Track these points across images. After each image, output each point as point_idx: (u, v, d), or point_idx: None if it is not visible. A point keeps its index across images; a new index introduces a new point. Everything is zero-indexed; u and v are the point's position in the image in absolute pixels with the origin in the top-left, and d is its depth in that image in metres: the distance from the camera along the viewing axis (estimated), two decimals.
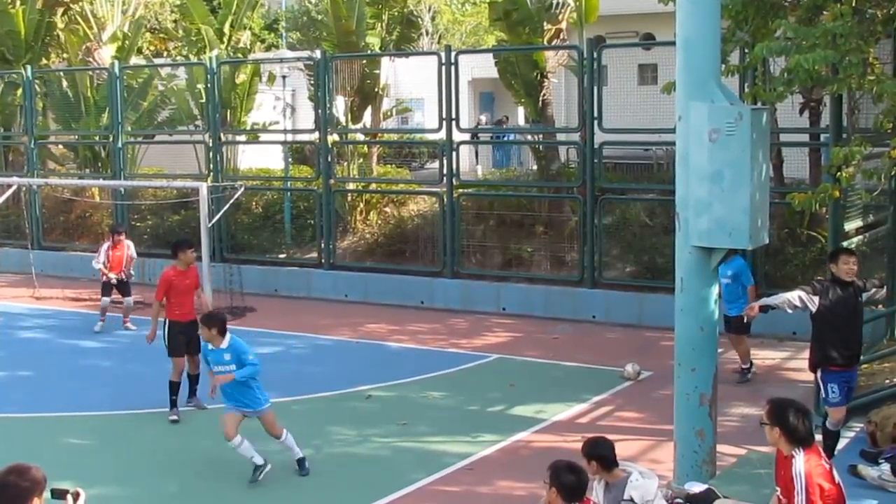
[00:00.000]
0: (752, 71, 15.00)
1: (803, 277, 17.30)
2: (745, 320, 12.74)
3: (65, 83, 27.23)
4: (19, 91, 26.95)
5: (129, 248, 19.38)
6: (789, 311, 11.03)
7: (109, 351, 17.73)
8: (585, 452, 7.89)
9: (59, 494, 5.71)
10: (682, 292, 9.92)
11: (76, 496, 5.72)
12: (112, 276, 19.02)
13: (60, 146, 29.71)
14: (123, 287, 19.19)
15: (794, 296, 10.74)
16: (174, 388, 13.80)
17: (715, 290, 10.02)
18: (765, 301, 10.99)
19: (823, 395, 11.14)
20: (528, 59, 20.89)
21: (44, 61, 29.17)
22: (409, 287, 20.80)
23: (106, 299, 19.10)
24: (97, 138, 26.54)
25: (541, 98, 21.07)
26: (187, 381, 14.22)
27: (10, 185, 24.00)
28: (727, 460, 10.88)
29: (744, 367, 14.86)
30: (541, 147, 22.03)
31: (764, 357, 15.80)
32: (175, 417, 13.64)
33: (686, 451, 10.00)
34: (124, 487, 11.23)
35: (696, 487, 8.97)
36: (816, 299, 10.74)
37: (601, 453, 7.87)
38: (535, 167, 23.31)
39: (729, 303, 14.41)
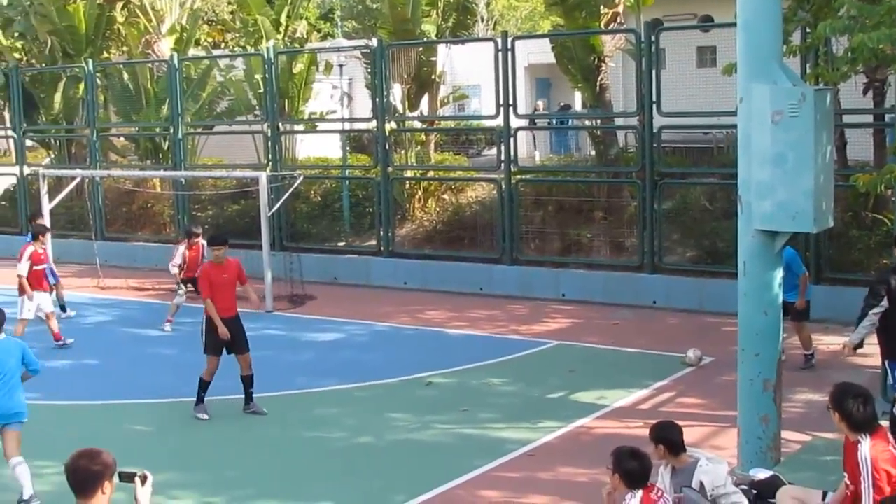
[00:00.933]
0: (814, 51, 14.82)
1: (868, 262, 17.13)
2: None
3: (125, 76, 27.52)
4: (81, 85, 27.26)
5: (204, 247, 19.18)
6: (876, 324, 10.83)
7: (172, 339, 17.90)
8: (653, 436, 7.83)
9: (126, 477, 5.80)
10: (745, 276, 9.82)
11: (143, 479, 5.82)
12: (184, 286, 18.57)
13: (122, 138, 30.06)
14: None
15: (871, 317, 10.60)
16: (203, 386, 13.32)
17: (779, 274, 9.91)
18: (853, 340, 10.87)
19: (891, 382, 10.98)
20: (584, 44, 20.76)
21: (104, 55, 29.50)
22: (468, 274, 20.79)
23: (180, 299, 18.76)
24: (157, 130, 26.78)
25: (598, 83, 20.93)
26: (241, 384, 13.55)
27: (73, 178, 24.33)
28: (792, 447, 10.78)
29: (807, 353, 14.69)
30: (599, 132, 21.91)
31: (829, 342, 15.61)
32: (204, 416, 13.24)
33: (750, 438, 9.91)
34: (187, 473, 11.34)
35: (761, 474, 8.90)
36: (884, 300, 10.58)
37: (669, 437, 7.81)
38: (593, 152, 23.19)
39: (785, 292, 14.27)
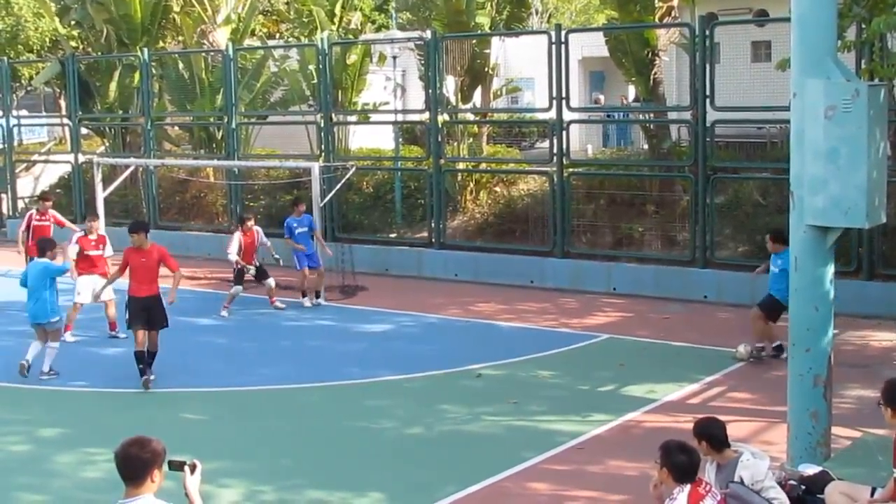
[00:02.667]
0: (868, 46, 14.67)
1: None
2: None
3: (180, 65, 27.73)
4: (136, 74, 27.51)
5: (258, 234, 19.36)
6: None
7: (225, 328, 18.08)
8: (696, 432, 7.83)
9: (176, 466, 5.88)
10: (797, 272, 9.78)
11: (193, 467, 5.89)
12: (250, 267, 18.96)
13: (176, 127, 30.32)
14: (260, 272, 19.30)
15: None
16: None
17: (830, 269, 9.85)
18: None
19: None
20: (639, 37, 20.68)
21: (160, 44, 29.74)
22: (519, 266, 20.80)
23: (238, 287, 18.96)
24: (211, 119, 27.00)
25: (652, 76, 20.85)
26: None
27: (127, 166, 24.59)
28: (842, 443, 10.72)
29: (773, 344, 14.78)
30: (652, 126, 21.83)
31: (882, 338, 15.48)
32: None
33: (800, 433, 9.87)
34: (239, 461, 11.46)
35: (811, 470, 8.87)
36: None
37: (712, 433, 7.80)
38: (645, 146, 23.11)
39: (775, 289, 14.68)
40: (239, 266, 18.94)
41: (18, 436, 12.52)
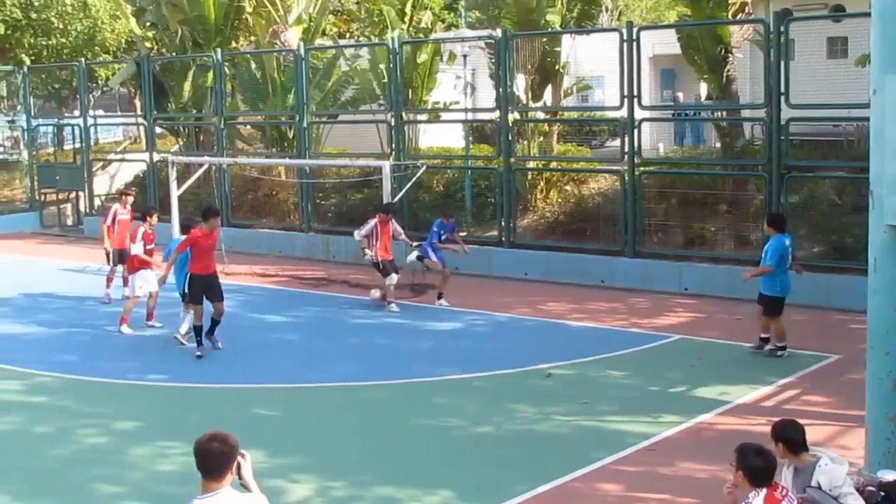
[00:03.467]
0: None
1: None
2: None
3: (253, 65, 27.97)
4: (210, 73, 27.79)
5: (395, 227, 19.36)
6: None
7: (295, 325, 18.18)
8: (774, 434, 7.69)
9: None
10: (876, 272, 9.58)
11: (241, 456, 5.93)
12: (371, 253, 18.97)
13: (248, 126, 30.58)
14: (386, 268, 19.17)
15: None
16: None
17: None
18: None
19: None
20: (711, 34, 20.47)
21: (232, 44, 30.01)
22: (590, 266, 20.69)
23: (393, 277, 18.97)
24: (283, 118, 27.17)
25: (725, 74, 20.63)
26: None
27: (201, 165, 24.83)
28: None
29: (778, 343, 14.89)
30: (725, 124, 21.60)
31: None
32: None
33: (878, 438, 9.67)
34: (307, 457, 11.51)
35: (890, 475, 8.67)
36: None
37: (789, 435, 7.66)
38: (718, 145, 22.86)
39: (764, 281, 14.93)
40: (365, 255, 19.11)
41: (95, 428, 12.68)
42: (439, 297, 19.17)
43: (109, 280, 20.04)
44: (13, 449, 12.13)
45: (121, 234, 19.62)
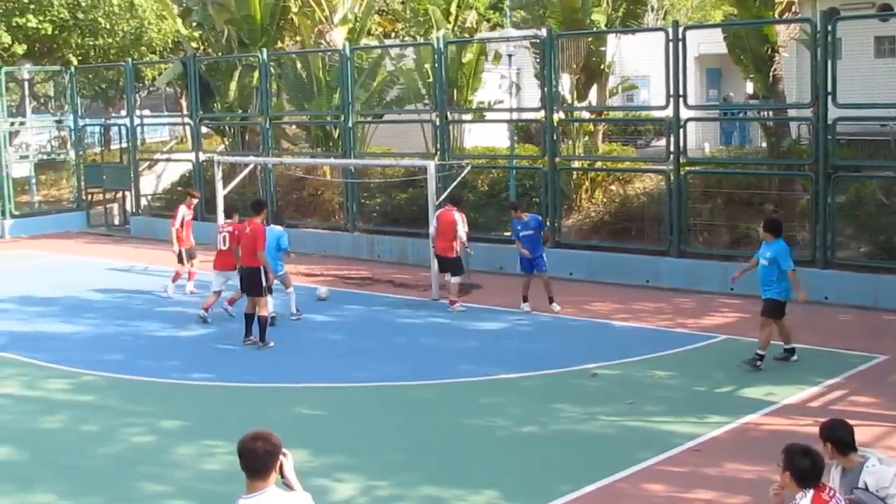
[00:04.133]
0: None
1: None
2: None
3: (298, 65, 28.08)
4: (256, 73, 27.93)
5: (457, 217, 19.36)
6: None
7: (340, 325, 18.23)
8: (822, 434, 7.62)
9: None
10: None
11: (284, 455, 5.96)
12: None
13: (293, 126, 30.71)
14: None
15: None
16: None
17: None
18: None
19: None
20: (758, 33, 20.31)
21: (278, 44, 30.15)
22: (635, 265, 20.60)
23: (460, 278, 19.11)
24: (328, 118, 27.26)
25: (771, 73, 20.46)
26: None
27: (246, 164, 24.96)
28: None
29: (759, 352, 14.40)
30: (771, 123, 21.44)
31: None
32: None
33: None
34: (354, 457, 11.55)
35: None
36: None
37: (838, 435, 7.57)
38: (764, 144, 22.69)
39: (764, 286, 14.50)
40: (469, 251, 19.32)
41: (141, 427, 12.80)
42: (550, 302, 18.42)
43: (177, 276, 20.42)
44: (61, 447, 12.26)
45: (189, 235, 20.65)
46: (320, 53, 27.65)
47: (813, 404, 12.91)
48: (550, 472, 10.95)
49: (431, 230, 19.36)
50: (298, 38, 30.94)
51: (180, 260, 20.54)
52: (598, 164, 23.61)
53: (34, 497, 10.70)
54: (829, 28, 18.33)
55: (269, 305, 17.08)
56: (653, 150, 29.96)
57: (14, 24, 34.19)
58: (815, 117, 18.74)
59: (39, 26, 34.43)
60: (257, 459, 5.73)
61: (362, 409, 13.44)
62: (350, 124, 25.31)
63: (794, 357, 14.57)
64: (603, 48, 23.61)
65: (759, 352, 14.41)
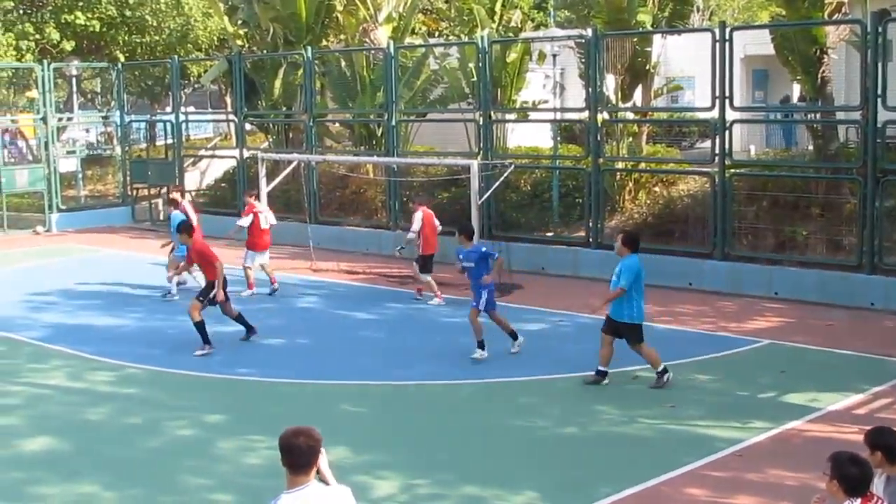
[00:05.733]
0: None
1: None
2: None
3: (342, 63, 28.14)
4: (300, 71, 28.02)
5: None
6: None
7: (381, 323, 18.24)
8: (870, 441, 7.48)
9: None
10: None
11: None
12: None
13: (337, 124, 30.78)
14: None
15: None
16: None
17: None
18: None
19: None
20: (806, 35, 20.12)
21: (323, 42, 30.23)
22: (677, 268, 20.47)
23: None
24: (372, 116, 27.29)
25: (819, 75, 20.25)
26: None
27: (290, 162, 25.06)
28: None
29: (659, 370, 13.93)
30: (819, 126, 21.25)
31: None
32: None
33: None
34: (392, 454, 11.55)
35: None
36: None
37: (889, 443, 7.45)
38: (811, 147, 22.49)
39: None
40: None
41: (183, 420, 12.88)
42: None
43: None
44: (104, 439, 12.35)
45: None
46: (365, 52, 27.69)
47: (858, 412, 12.76)
48: (591, 474, 10.91)
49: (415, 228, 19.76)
50: (343, 37, 31.02)
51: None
52: (643, 166, 23.51)
53: (79, 487, 10.79)
54: (880, 29, 18.14)
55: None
56: (697, 152, 29.79)
57: (63, 21, 34.61)
58: (864, 120, 18.55)
59: (88, 23, 34.82)
60: (300, 455, 5.76)
61: (402, 407, 13.44)
62: (393, 123, 25.33)
63: (669, 376, 13.92)
64: (648, 48, 23.49)
65: (659, 369, 13.89)
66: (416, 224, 19.70)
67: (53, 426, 12.82)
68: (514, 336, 15.64)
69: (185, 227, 16.78)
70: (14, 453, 11.94)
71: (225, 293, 16.00)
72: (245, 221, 20.30)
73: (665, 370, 13.92)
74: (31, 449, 12.04)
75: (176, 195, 21.23)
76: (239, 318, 16.44)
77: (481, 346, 15.25)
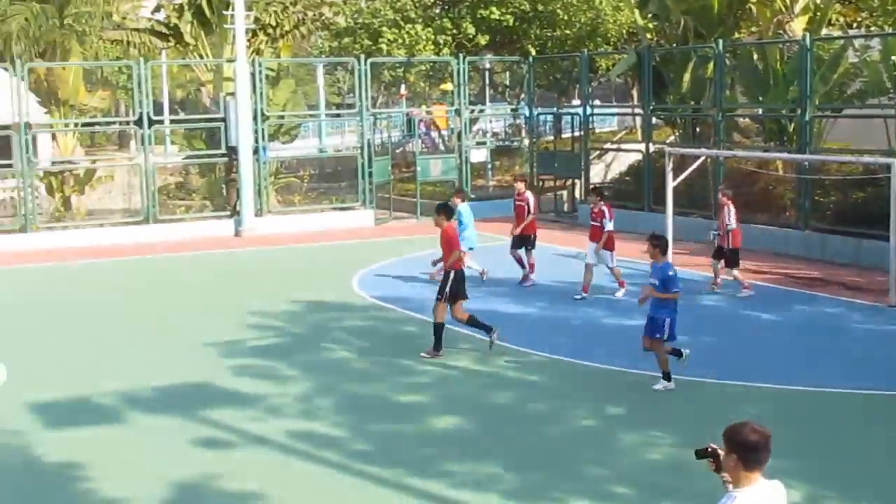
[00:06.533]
0: None
1: None
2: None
3: (754, 56, 27.44)
4: (710, 65, 27.58)
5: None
6: None
7: (785, 325, 17.60)
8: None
9: (701, 454, 5.89)
10: None
11: (714, 453, 5.81)
12: None
13: (746, 119, 30.07)
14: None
15: None
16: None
17: None
18: None
19: None
20: None
21: (735, 35, 29.62)
22: None
23: None
24: (783, 111, 26.44)
25: None
26: None
27: (697, 157, 24.69)
28: None
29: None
30: None
31: None
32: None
33: None
34: (799, 462, 11.05)
35: None
36: None
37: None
38: None
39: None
40: None
41: (585, 410, 13.02)
42: None
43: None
44: (508, 422, 12.64)
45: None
46: (778, 44, 26.85)
47: None
48: None
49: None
50: (755, 29, 30.26)
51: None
52: None
53: (484, 467, 11.08)
54: None
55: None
56: None
57: (479, 16, 35.88)
58: None
59: (501, 18, 35.92)
60: (769, 453, 5.59)
61: (811, 414, 12.90)
62: (807, 118, 24.38)
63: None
64: None
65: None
66: (732, 218, 19.44)
67: (458, 406, 13.28)
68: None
69: (442, 209, 16.20)
70: (424, 429, 12.46)
71: (463, 292, 15.68)
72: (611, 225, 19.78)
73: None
74: (440, 427, 12.52)
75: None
76: (471, 321, 15.76)
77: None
